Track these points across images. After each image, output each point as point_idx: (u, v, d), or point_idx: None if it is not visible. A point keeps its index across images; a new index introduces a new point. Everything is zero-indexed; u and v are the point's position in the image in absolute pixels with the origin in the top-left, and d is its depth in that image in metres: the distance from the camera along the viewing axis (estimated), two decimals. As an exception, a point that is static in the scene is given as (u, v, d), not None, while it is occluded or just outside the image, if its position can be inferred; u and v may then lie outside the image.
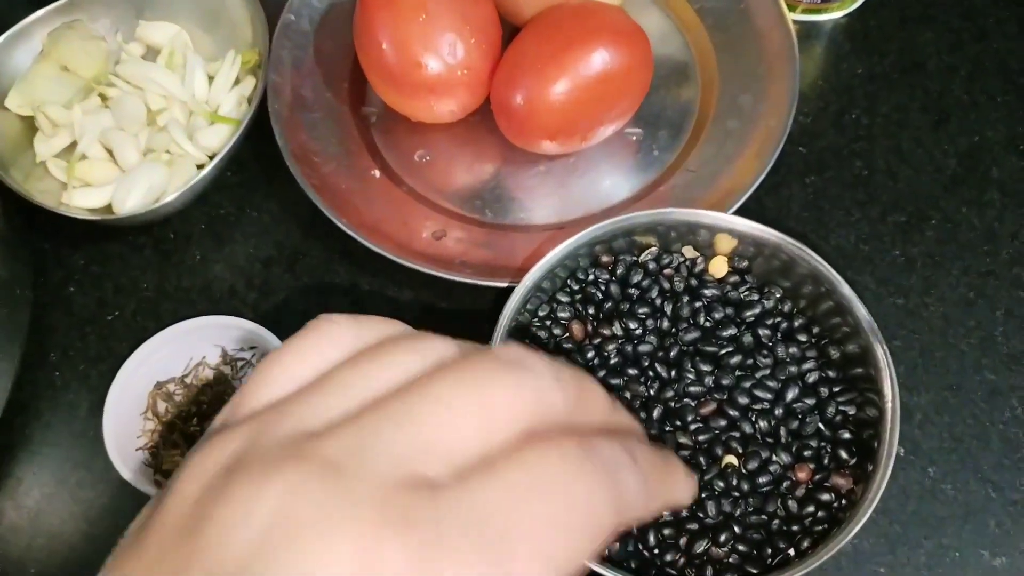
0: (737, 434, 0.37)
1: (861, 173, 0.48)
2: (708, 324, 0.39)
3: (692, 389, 0.38)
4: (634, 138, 0.49)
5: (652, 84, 0.46)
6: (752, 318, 0.39)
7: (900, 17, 0.52)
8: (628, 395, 0.38)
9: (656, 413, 0.37)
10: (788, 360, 0.38)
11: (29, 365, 0.43)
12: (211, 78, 0.49)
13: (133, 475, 0.38)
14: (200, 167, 0.47)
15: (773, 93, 0.47)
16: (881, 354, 0.36)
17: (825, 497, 0.35)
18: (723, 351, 0.38)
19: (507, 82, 0.45)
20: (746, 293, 0.40)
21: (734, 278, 0.40)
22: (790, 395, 0.37)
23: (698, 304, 0.39)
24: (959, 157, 0.48)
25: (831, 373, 0.38)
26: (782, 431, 0.37)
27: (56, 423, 0.43)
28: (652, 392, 0.38)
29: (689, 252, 0.41)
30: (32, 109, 0.48)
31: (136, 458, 0.40)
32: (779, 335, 0.39)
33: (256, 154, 0.47)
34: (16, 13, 0.49)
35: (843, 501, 0.35)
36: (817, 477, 0.36)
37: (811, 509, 0.35)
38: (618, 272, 0.40)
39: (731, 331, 0.38)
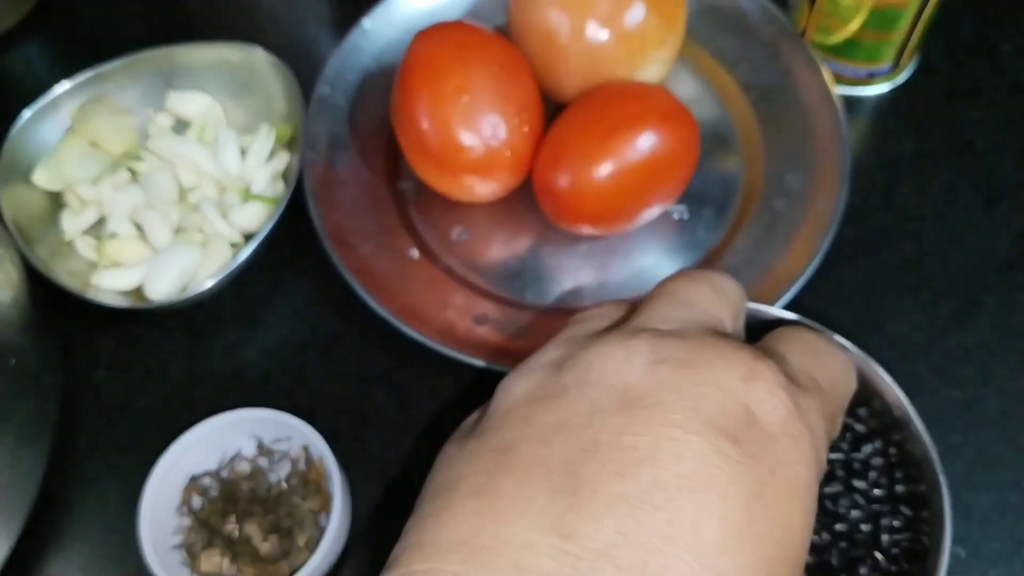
0: None
1: (912, 256, 0.47)
2: None
3: None
4: (677, 216, 0.48)
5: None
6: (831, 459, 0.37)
7: (946, 92, 0.51)
8: None
9: None
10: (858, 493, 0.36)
11: (57, 455, 0.41)
12: (243, 152, 0.48)
13: (169, 575, 0.37)
14: (234, 246, 0.46)
15: (821, 173, 0.46)
16: (947, 506, 0.34)
17: None
18: None
19: (551, 165, 0.44)
20: None
21: None
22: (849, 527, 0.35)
23: None
24: (1012, 239, 0.47)
25: (903, 509, 0.36)
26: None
27: (86, 517, 0.42)
28: None
29: None
30: (60, 185, 0.47)
31: (172, 557, 0.39)
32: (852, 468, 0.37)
33: (290, 232, 0.46)
34: (44, 84, 0.48)
35: None
36: None
37: None
38: None
39: None
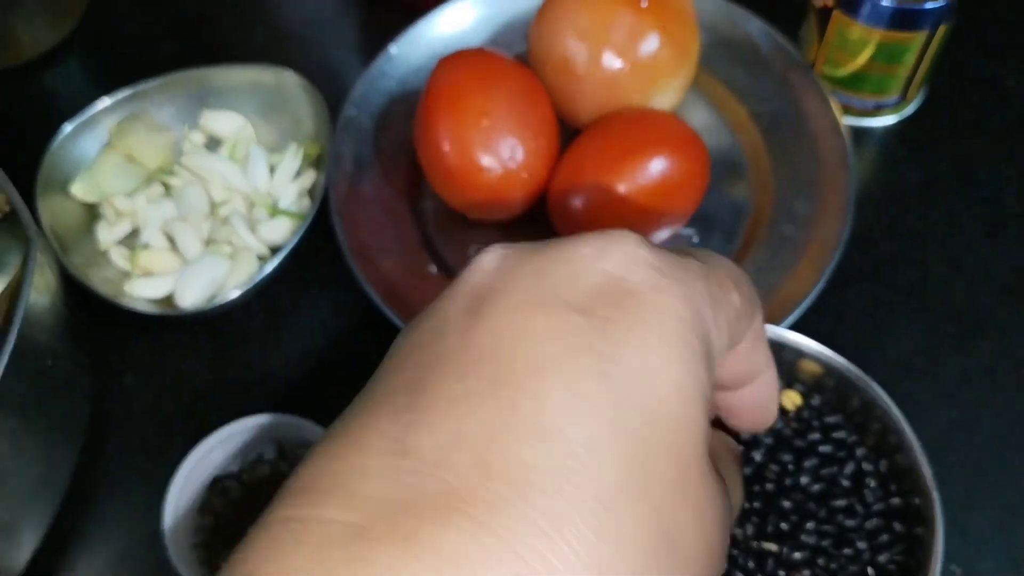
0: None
1: (915, 281, 0.48)
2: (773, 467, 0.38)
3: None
4: (688, 239, 0.49)
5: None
6: (827, 478, 0.38)
7: (952, 124, 0.53)
8: None
9: None
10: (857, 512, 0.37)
11: (87, 455, 0.43)
12: (272, 169, 0.50)
13: (190, 572, 0.39)
14: (261, 259, 0.48)
15: (828, 200, 0.47)
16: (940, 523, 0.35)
17: None
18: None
19: (566, 186, 0.45)
20: (825, 447, 0.38)
21: (805, 414, 0.39)
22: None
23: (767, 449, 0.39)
24: (1013, 267, 0.48)
25: (896, 525, 0.37)
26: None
27: (112, 516, 0.43)
28: None
29: None
30: (97, 197, 0.49)
31: (193, 555, 0.40)
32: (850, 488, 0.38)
33: (314, 246, 0.48)
34: (84, 101, 0.50)
35: None
36: None
37: None
38: None
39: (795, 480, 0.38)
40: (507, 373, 0.19)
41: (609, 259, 0.21)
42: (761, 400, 0.27)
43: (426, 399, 0.19)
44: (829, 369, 0.39)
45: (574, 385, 0.18)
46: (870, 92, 0.51)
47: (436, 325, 0.21)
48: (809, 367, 0.39)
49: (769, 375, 0.27)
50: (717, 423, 0.29)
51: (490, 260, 0.22)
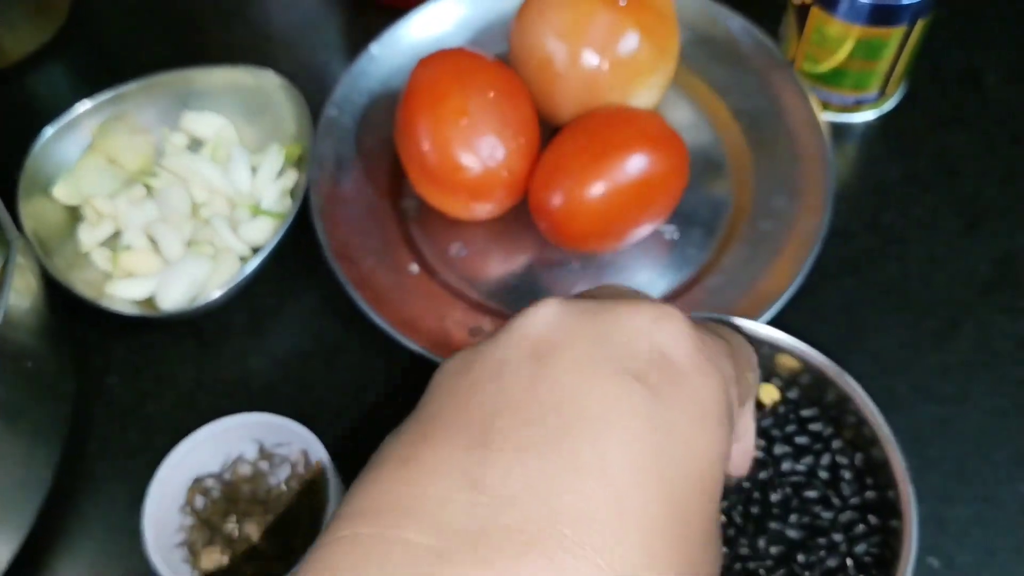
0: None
1: (895, 277, 0.48)
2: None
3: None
4: (668, 236, 0.49)
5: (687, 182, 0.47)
6: (803, 471, 0.38)
7: (932, 120, 0.53)
8: None
9: None
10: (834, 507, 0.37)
11: (69, 456, 0.43)
12: (254, 170, 0.50)
13: (171, 573, 0.39)
14: (243, 259, 0.48)
15: (807, 196, 0.48)
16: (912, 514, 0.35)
17: None
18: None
19: (546, 185, 0.45)
20: (801, 438, 0.38)
21: (782, 409, 0.39)
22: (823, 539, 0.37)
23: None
24: (992, 262, 0.48)
25: (871, 518, 0.37)
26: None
27: (94, 516, 0.43)
28: None
29: None
30: (79, 199, 0.49)
31: (175, 554, 0.40)
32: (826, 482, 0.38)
33: (296, 247, 0.48)
34: (65, 104, 0.50)
35: None
36: None
37: None
38: None
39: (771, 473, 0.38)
40: (572, 426, 0.22)
41: (661, 333, 0.24)
42: (740, 459, 0.34)
43: (495, 440, 0.22)
44: (805, 364, 0.39)
45: (630, 443, 0.21)
46: (850, 88, 0.52)
47: (497, 368, 0.23)
48: (786, 362, 0.40)
49: (750, 437, 0.33)
50: None
51: (550, 313, 0.24)
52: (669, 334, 0.24)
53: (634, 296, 0.28)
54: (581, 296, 0.27)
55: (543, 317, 0.24)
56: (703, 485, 0.23)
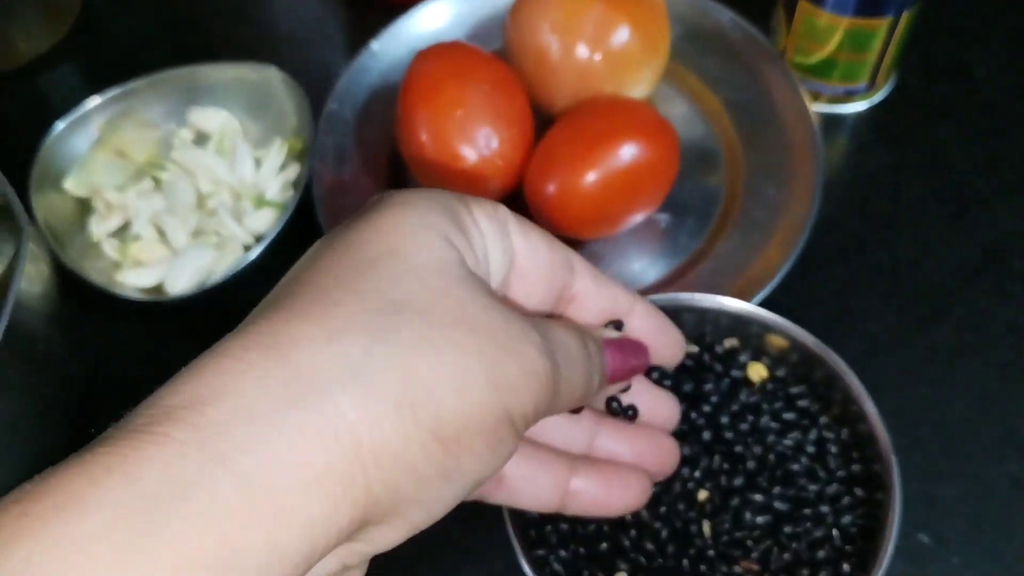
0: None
1: (884, 263, 0.49)
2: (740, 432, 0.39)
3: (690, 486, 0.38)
4: (662, 224, 0.50)
5: (680, 172, 0.48)
6: (790, 445, 0.39)
7: (921, 110, 0.54)
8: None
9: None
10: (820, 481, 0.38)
11: (78, 438, 0.44)
12: (258, 163, 0.52)
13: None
14: (247, 248, 0.49)
15: (797, 184, 0.49)
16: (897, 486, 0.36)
17: None
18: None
19: (540, 173, 0.47)
20: (788, 414, 0.39)
21: (770, 386, 0.40)
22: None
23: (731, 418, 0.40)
24: (980, 248, 0.49)
25: (857, 490, 0.38)
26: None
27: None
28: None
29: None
30: (89, 191, 0.51)
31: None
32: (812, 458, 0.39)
33: (300, 237, 0.49)
34: (76, 99, 0.52)
35: None
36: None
37: None
38: None
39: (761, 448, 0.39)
40: (299, 269, 0.25)
41: (377, 195, 0.26)
42: (653, 326, 0.31)
43: None
44: (793, 343, 0.40)
45: (318, 255, 0.24)
46: (839, 79, 0.53)
47: None
48: (775, 341, 0.41)
49: (642, 307, 0.31)
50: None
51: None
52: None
53: None
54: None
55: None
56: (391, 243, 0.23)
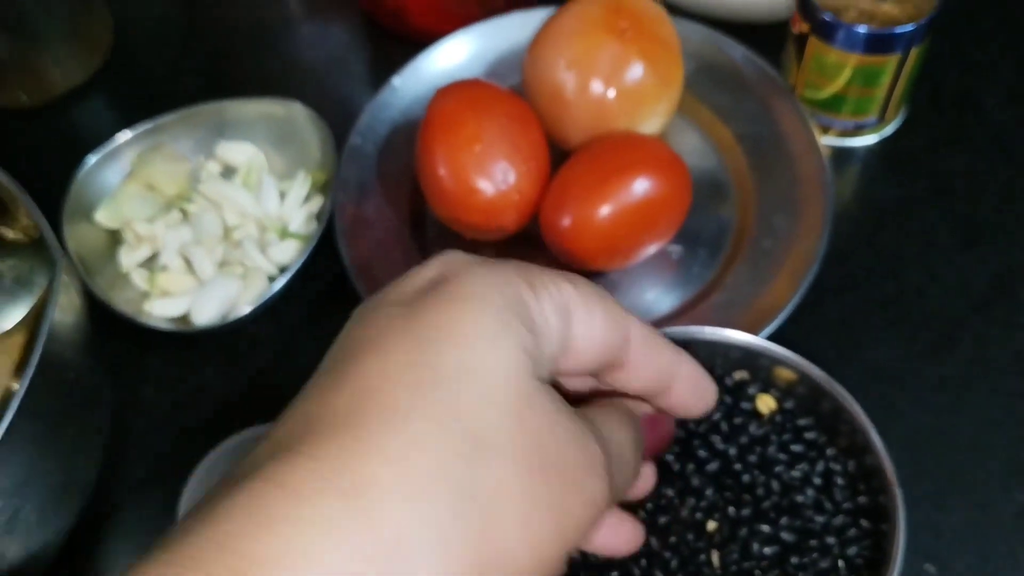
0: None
1: (892, 293, 0.50)
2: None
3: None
4: (674, 256, 0.52)
5: (692, 203, 0.49)
6: (798, 476, 0.40)
7: (931, 142, 0.55)
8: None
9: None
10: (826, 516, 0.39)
11: (107, 462, 0.46)
12: (282, 195, 0.53)
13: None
14: (271, 279, 0.51)
15: (807, 216, 0.50)
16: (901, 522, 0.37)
17: None
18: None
19: (555, 206, 0.48)
20: (796, 446, 0.40)
21: (779, 418, 0.41)
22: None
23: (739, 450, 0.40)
24: (988, 279, 0.50)
25: (863, 522, 0.39)
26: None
27: (132, 518, 0.46)
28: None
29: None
30: (119, 223, 0.53)
31: (204, 555, 0.43)
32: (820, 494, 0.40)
33: (322, 267, 0.51)
34: (108, 133, 0.54)
35: None
36: None
37: None
38: None
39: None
40: (342, 354, 0.24)
41: (431, 268, 0.26)
42: (696, 392, 0.32)
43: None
44: (802, 375, 0.41)
45: (384, 350, 0.23)
46: (850, 113, 0.54)
47: None
48: (784, 374, 0.42)
49: (687, 369, 0.31)
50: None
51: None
52: (437, 264, 0.26)
53: None
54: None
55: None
56: (478, 365, 0.23)
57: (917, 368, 0.48)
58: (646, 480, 0.34)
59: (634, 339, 0.28)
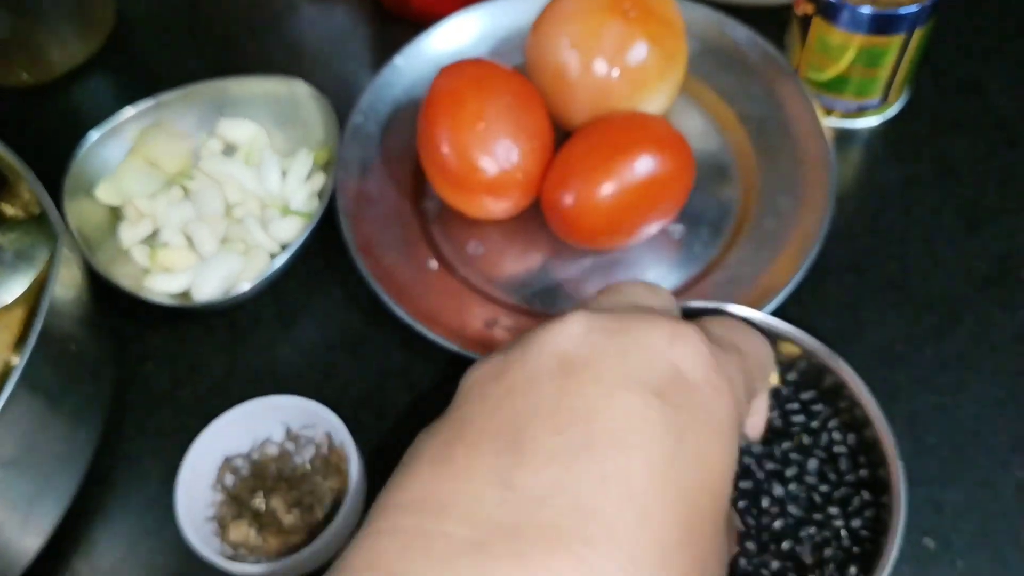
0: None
1: (896, 274, 0.50)
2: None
3: None
4: (676, 235, 0.51)
5: (695, 183, 0.49)
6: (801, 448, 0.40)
7: (934, 124, 0.55)
8: None
9: None
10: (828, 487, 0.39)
11: (107, 437, 0.46)
12: (284, 173, 0.53)
13: (202, 544, 0.41)
14: (272, 256, 0.51)
15: (810, 197, 0.50)
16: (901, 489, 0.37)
17: None
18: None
19: (558, 185, 0.48)
20: (798, 417, 0.40)
21: (784, 391, 0.41)
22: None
23: None
24: (992, 260, 0.50)
25: (864, 493, 0.39)
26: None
27: (130, 492, 0.46)
28: None
29: None
30: (120, 200, 0.53)
31: (205, 528, 0.43)
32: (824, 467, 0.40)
33: (323, 245, 0.51)
34: (110, 111, 0.54)
35: None
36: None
37: None
38: None
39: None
40: (597, 436, 0.24)
41: (677, 351, 0.26)
42: (755, 430, 0.38)
43: (527, 446, 0.24)
44: (803, 350, 0.41)
45: (649, 453, 0.24)
46: (853, 95, 0.54)
47: (528, 379, 0.26)
48: (786, 348, 0.42)
49: (763, 413, 0.37)
50: None
51: (576, 330, 0.27)
52: (685, 353, 0.26)
53: (650, 310, 0.30)
54: (601, 306, 0.29)
55: (569, 333, 0.27)
56: (713, 489, 0.25)
57: (919, 347, 0.48)
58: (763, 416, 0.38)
59: None
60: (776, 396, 0.41)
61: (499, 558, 0.22)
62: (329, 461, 0.45)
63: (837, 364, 0.40)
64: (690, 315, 0.39)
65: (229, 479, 0.44)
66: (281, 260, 0.48)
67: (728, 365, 0.28)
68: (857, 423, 0.40)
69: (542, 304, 0.50)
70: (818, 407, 0.41)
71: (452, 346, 0.46)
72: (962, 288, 0.49)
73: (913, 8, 0.49)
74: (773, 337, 0.42)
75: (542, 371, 0.26)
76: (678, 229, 0.52)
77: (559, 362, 0.26)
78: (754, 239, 0.50)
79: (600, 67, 0.49)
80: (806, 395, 0.41)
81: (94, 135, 0.53)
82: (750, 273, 0.48)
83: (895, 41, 0.50)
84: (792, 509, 0.39)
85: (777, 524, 0.38)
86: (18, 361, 0.39)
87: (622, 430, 0.24)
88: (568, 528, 0.23)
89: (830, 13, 0.50)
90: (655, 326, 0.27)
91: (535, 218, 0.50)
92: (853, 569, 0.37)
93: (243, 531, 0.43)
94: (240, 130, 0.55)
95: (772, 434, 0.40)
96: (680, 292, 0.49)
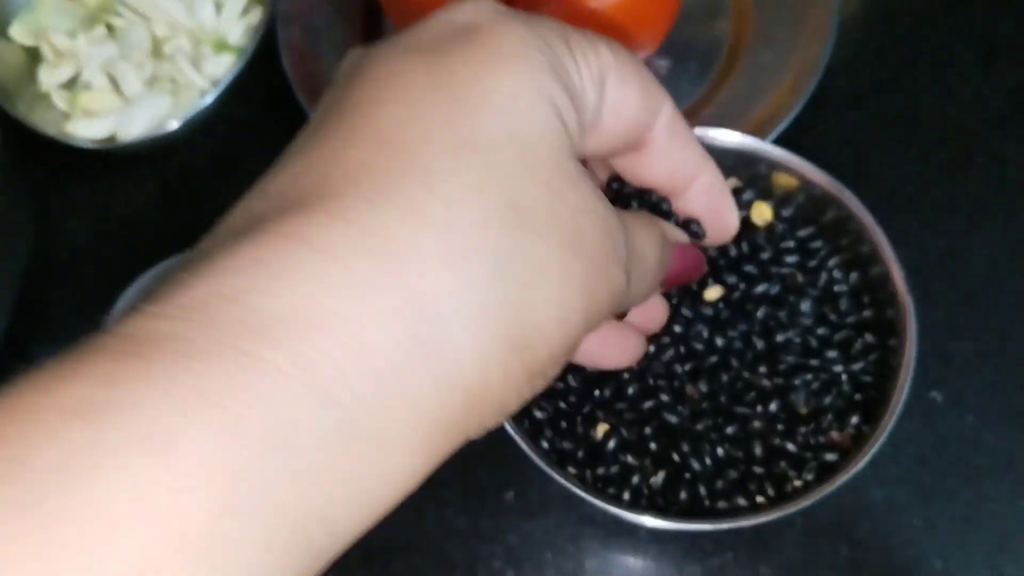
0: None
1: (904, 109, 0.45)
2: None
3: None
4: (662, 71, 0.46)
5: (682, 14, 0.44)
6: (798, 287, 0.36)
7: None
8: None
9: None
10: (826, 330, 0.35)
11: (28, 299, 0.42)
12: (218, 6, 0.48)
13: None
14: (205, 95, 0.45)
15: (810, 23, 0.44)
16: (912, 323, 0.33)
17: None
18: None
19: (533, 3, 0.42)
20: (794, 257, 0.35)
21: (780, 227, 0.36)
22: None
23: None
24: (1007, 94, 0.45)
25: (868, 336, 0.35)
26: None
27: (52, 350, 0.42)
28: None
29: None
30: (36, 38, 0.47)
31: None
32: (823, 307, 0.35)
33: (265, 86, 0.46)
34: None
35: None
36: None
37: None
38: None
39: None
40: (349, 104, 0.20)
41: (458, 11, 0.21)
42: (712, 204, 0.28)
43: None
44: (804, 182, 0.36)
45: (407, 102, 0.19)
46: (859, -88, 0.48)
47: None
48: (783, 180, 0.37)
49: (707, 178, 0.27)
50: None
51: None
52: (467, 8, 0.21)
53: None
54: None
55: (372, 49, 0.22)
56: (509, 121, 0.20)
57: (929, 188, 0.43)
58: (661, 312, 0.32)
59: (662, 121, 0.25)
60: (769, 232, 0.37)
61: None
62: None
63: (842, 194, 0.36)
64: None
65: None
66: (213, 95, 0.43)
67: (532, 15, 0.22)
68: (861, 260, 0.35)
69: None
70: (816, 244, 0.36)
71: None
72: (975, 124, 0.45)
73: None
74: (771, 168, 0.37)
75: (334, 80, 0.23)
76: (663, 64, 0.46)
77: (349, 63, 0.22)
78: (748, 73, 0.45)
79: None
80: (804, 232, 0.37)
81: (3, -35, 0.47)
82: (743, 108, 0.43)
83: None
84: (788, 358, 0.34)
85: (764, 372, 0.34)
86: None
87: (373, 90, 0.20)
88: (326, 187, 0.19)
89: None
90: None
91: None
92: (855, 419, 0.34)
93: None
94: (169, -41, 0.49)
95: (764, 273, 0.35)
96: (664, 132, 0.44)
